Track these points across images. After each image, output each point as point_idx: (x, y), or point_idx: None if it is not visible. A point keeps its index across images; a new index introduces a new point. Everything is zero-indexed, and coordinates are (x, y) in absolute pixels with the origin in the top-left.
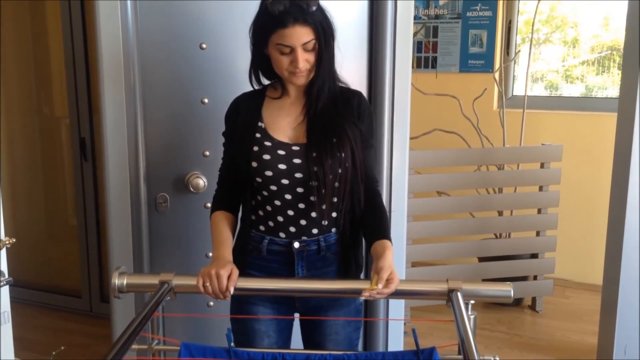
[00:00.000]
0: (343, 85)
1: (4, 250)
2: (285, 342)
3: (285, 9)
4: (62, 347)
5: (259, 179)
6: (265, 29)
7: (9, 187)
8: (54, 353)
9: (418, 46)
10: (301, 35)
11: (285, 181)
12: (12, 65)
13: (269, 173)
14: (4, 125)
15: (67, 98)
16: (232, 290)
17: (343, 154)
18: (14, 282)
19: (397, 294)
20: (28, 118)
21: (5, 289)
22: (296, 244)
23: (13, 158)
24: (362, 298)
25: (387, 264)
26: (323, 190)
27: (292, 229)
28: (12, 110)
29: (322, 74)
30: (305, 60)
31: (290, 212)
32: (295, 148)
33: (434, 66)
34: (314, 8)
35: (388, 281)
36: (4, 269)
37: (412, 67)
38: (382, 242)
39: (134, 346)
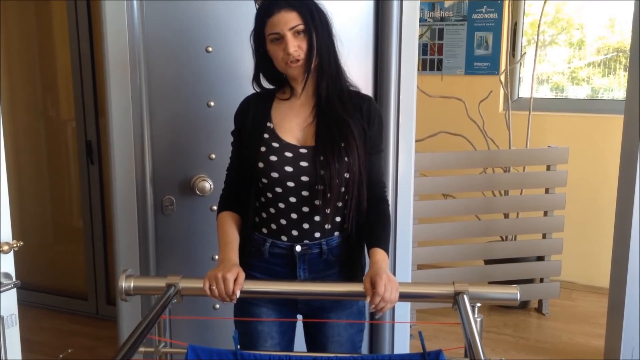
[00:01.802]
0: (353, 89)
1: (11, 253)
2: (289, 343)
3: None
4: (69, 350)
5: (264, 180)
6: (258, 25)
7: (15, 190)
8: (61, 356)
9: (423, 48)
10: (288, 20)
11: (290, 184)
12: (18, 68)
13: (274, 175)
14: (10, 128)
15: (73, 101)
16: (238, 294)
17: (351, 159)
18: (21, 285)
19: (404, 297)
20: (34, 121)
21: (13, 292)
22: (298, 247)
23: (19, 161)
24: (373, 311)
25: (378, 273)
26: (329, 195)
27: (295, 233)
28: (18, 113)
29: (319, 59)
30: (297, 47)
31: (294, 216)
32: (302, 150)
33: (439, 68)
34: None
35: (381, 289)
36: (12, 271)
37: (418, 69)
38: (375, 250)
39: (141, 348)
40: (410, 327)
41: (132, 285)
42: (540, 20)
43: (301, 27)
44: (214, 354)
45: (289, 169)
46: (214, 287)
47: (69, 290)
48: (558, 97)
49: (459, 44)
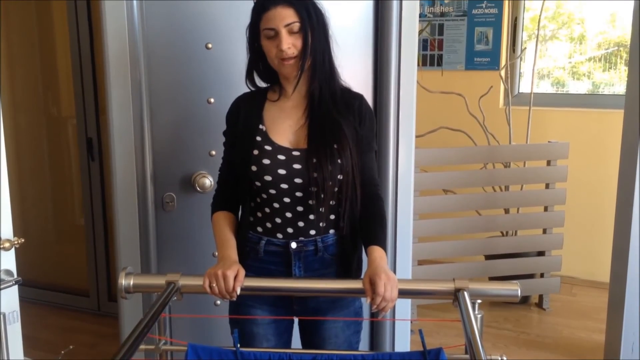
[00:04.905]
0: (344, 87)
1: (12, 250)
2: (285, 345)
3: None
4: (71, 346)
5: (258, 183)
6: (254, 20)
7: (16, 188)
8: (62, 352)
9: (423, 44)
10: (284, 17)
11: (284, 185)
12: (19, 66)
13: (268, 178)
14: (11, 126)
15: (74, 98)
16: (238, 291)
17: (343, 160)
18: (23, 282)
19: (404, 294)
20: (35, 118)
21: (14, 289)
22: (293, 244)
23: (20, 158)
24: (375, 310)
25: (377, 272)
26: (322, 195)
27: (290, 230)
28: (19, 111)
29: (313, 59)
30: (291, 44)
31: (289, 214)
32: (295, 153)
33: (439, 64)
34: None
35: (381, 289)
36: (13, 268)
37: (418, 65)
38: (373, 248)
39: (142, 347)
40: (411, 322)
41: (131, 283)
42: (540, 15)
43: (297, 25)
44: (214, 352)
45: (282, 171)
46: (214, 285)
47: (70, 287)
48: (558, 92)
49: (459, 39)
